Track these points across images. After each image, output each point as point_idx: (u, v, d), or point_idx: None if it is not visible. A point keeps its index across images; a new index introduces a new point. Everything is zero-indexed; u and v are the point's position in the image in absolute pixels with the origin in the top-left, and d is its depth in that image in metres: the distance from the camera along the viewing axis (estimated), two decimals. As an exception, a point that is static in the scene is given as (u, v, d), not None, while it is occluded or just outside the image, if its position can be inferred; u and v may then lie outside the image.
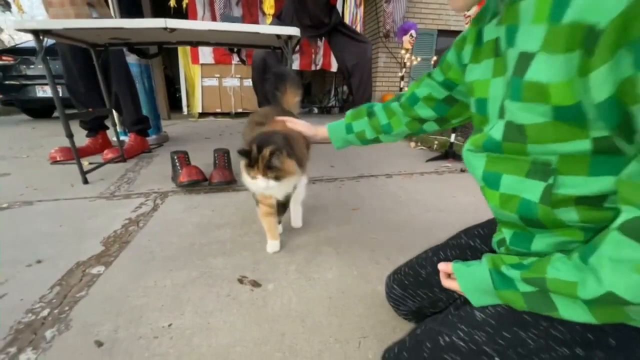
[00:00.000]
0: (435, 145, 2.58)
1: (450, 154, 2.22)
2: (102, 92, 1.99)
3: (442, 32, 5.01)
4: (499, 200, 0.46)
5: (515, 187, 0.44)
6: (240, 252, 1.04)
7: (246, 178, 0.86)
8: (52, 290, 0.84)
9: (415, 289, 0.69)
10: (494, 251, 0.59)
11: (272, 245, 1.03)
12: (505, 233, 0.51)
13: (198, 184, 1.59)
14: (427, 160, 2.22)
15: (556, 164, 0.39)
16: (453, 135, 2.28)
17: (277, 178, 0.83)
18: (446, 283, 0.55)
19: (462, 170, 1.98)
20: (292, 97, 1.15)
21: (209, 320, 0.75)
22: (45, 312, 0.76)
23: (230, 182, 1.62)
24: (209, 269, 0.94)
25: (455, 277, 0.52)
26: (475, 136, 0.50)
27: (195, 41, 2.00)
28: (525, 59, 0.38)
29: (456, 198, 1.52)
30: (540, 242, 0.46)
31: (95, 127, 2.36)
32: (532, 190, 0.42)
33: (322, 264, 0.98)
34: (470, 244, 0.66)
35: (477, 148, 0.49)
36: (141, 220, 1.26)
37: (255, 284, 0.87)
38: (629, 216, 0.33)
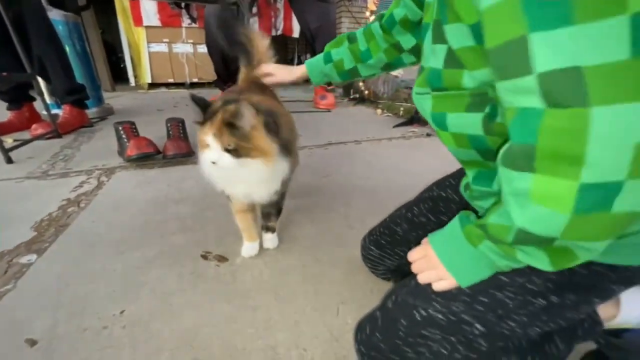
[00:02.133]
0: (401, 112, 2.58)
1: (415, 119, 2.22)
2: (19, 54, 1.66)
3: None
4: (452, 140, 0.44)
5: (459, 124, 0.41)
6: (203, 227, 0.94)
7: (200, 150, 0.63)
8: (-32, 287, 0.69)
9: (392, 247, 0.66)
10: (462, 198, 0.57)
11: (248, 248, 0.80)
12: (468, 174, 0.49)
13: (150, 157, 1.42)
14: (394, 126, 2.21)
15: (490, 93, 0.36)
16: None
17: (238, 152, 0.57)
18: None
19: (428, 135, 1.99)
20: (261, 41, 0.89)
21: (170, 302, 0.66)
22: (-42, 313, 0.62)
23: (188, 155, 1.46)
24: (168, 247, 0.84)
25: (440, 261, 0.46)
26: (421, 75, 0.46)
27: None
28: None
29: (424, 161, 1.52)
30: None
31: (18, 97, 2.00)
32: (473, 124, 0.39)
33: (295, 233, 0.92)
34: (442, 195, 0.64)
35: (423, 87, 0.45)
36: (82, 200, 1.10)
37: (222, 258, 0.79)
38: (505, 147, 0.32)
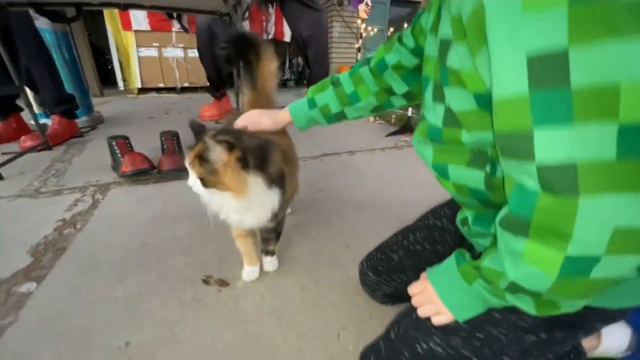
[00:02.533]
0: (393, 119, 2.62)
1: (408, 127, 2.26)
2: (6, 65, 1.62)
3: (395, 1, 4.94)
4: (453, 188, 0.47)
5: (461, 176, 0.44)
6: (202, 247, 0.95)
7: None
8: (-33, 320, 0.69)
9: (389, 274, 0.69)
10: (457, 230, 0.60)
11: (249, 272, 0.82)
12: (467, 214, 0.52)
13: (145, 173, 1.42)
14: (387, 135, 2.24)
15: (491, 152, 0.39)
16: (410, 110, 2.31)
17: (205, 180, 0.59)
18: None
19: (421, 144, 2.04)
20: (269, 64, 0.86)
21: (173, 331, 0.67)
22: (-41, 349, 0.62)
23: (183, 169, 1.46)
24: (167, 272, 0.85)
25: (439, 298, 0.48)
26: (421, 125, 0.49)
27: (124, 3, 1.69)
28: (446, 45, 0.39)
29: (417, 171, 1.56)
30: None
31: (5, 108, 1.96)
32: (475, 179, 0.42)
33: (293, 253, 0.94)
34: (437, 224, 0.67)
35: (424, 138, 0.48)
36: (79, 221, 1.09)
37: (223, 283, 0.81)
38: (504, 211, 0.35)
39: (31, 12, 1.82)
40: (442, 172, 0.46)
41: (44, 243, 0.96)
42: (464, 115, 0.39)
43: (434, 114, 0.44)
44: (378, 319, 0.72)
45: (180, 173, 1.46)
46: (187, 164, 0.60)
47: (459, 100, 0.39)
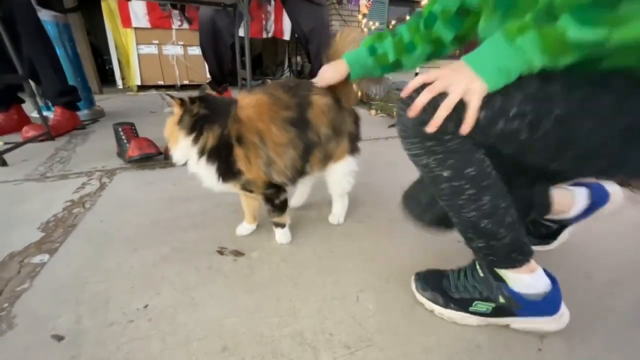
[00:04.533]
0: (394, 112, 2.64)
1: (410, 119, 2.28)
2: (9, 54, 1.61)
3: (394, 0, 5.00)
4: None
5: None
6: (215, 223, 0.95)
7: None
8: (-19, 288, 0.68)
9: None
10: None
11: (241, 227, 0.90)
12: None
13: (151, 158, 1.41)
14: (390, 126, 2.26)
15: None
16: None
17: (210, 156, 0.70)
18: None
19: (423, 134, 2.05)
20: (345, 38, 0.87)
21: (192, 296, 0.67)
22: (-25, 313, 0.61)
23: (190, 155, 1.46)
24: (182, 244, 0.85)
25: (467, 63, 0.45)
26: None
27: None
28: None
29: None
30: None
31: (5, 99, 1.94)
32: None
33: (306, 228, 0.94)
34: None
35: None
36: (87, 201, 1.08)
37: (238, 253, 0.81)
38: None
39: (33, 2, 1.82)
40: None
41: (54, 220, 0.95)
42: None
43: None
44: (396, 283, 0.72)
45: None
46: (181, 134, 0.69)
47: None
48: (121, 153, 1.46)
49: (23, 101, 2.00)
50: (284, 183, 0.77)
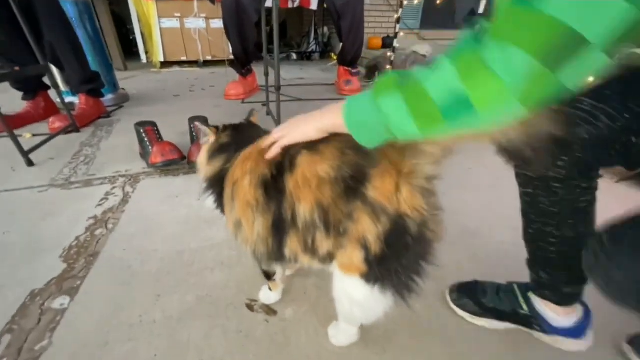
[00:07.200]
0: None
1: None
2: (30, 43, 1.53)
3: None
4: None
5: None
6: (241, 260, 0.86)
7: None
8: (0, 342, 0.64)
9: None
10: None
11: (267, 295, 0.73)
12: None
13: (174, 163, 1.32)
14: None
15: None
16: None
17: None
18: None
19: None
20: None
21: (219, 371, 0.59)
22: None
23: (214, 160, 1.36)
24: (208, 291, 0.76)
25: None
26: None
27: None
28: None
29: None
30: None
31: (32, 86, 1.90)
32: None
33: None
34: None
35: None
36: (110, 219, 1.02)
37: (270, 310, 0.71)
38: None
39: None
40: None
41: (76, 246, 0.90)
42: None
43: None
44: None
45: (211, 164, 1.36)
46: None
47: None
48: (144, 155, 1.39)
49: (49, 87, 1.95)
50: (256, 259, 0.56)
